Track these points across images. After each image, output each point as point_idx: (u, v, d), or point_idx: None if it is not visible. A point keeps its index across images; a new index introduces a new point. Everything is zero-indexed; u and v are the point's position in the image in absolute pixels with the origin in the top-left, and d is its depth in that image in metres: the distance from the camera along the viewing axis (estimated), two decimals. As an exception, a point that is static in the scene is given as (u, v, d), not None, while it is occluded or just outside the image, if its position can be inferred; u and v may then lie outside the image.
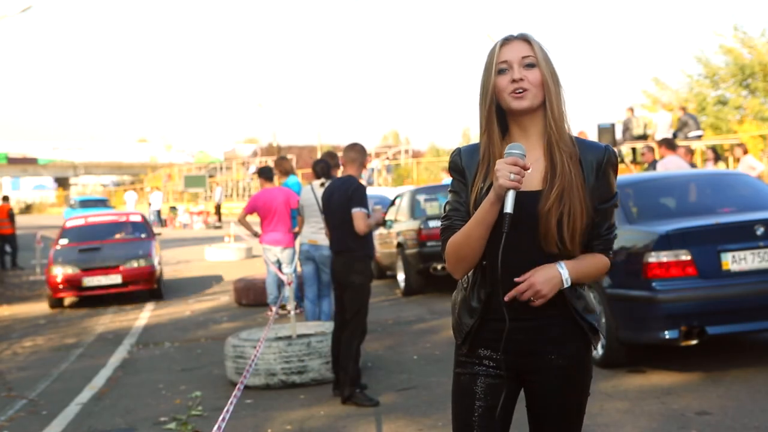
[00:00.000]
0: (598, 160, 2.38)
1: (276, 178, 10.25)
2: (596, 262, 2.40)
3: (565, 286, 2.31)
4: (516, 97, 2.32)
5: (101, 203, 37.53)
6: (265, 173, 9.92)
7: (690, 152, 13.76)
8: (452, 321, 2.49)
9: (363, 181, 6.29)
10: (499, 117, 2.38)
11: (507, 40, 2.37)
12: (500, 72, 2.35)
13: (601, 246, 2.41)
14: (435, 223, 10.95)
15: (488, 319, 2.37)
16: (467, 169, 2.38)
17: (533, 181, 2.32)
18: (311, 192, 8.12)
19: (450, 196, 2.43)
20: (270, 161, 45.09)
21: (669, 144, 11.26)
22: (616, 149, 20.14)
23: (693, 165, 13.37)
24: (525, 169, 2.20)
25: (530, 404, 2.47)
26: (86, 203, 36.95)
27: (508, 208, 2.21)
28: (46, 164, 63.72)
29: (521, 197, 2.25)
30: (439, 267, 10.91)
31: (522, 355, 2.36)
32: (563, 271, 2.30)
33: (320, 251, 8.06)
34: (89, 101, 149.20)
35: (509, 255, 2.26)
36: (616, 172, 2.42)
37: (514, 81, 2.32)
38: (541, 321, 2.36)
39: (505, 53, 2.35)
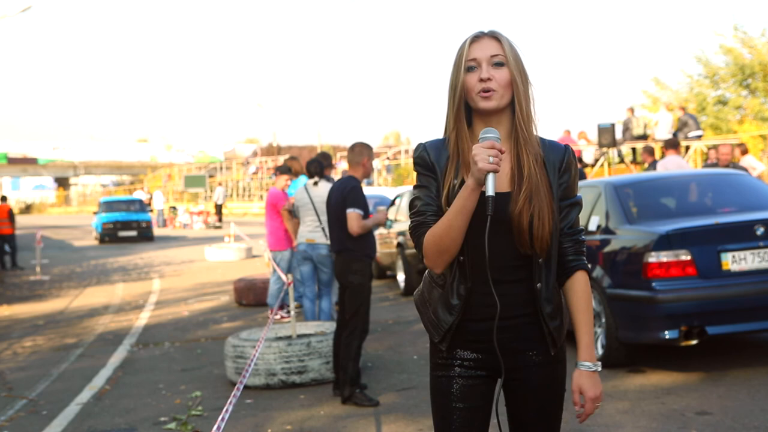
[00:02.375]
0: (560, 160, 2.38)
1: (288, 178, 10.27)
2: (584, 299, 2.38)
3: (599, 370, 2.43)
4: (483, 97, 2.30)
5: (133, 206, 28.08)
6: (283, 171, 9.93)
7: (739, 147, 13.37)
8: (424, 318, 2.45)
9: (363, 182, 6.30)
10: (465, 112, 2.36)
11: (477, 37, 2.35)
12: (469, 69, 2.32)
13: (572, 248, 2.39)
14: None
15: (466, 319, 2.35)
16: (437, 164, 2.34)
17: (502, 182, 2.30)
18: (305, 192, 8.16)
19: (418, 192, 2.37)
20: (270, 161, 45.11)
21: (670, 144, 11.25)
22: (615, 149, 20.20)
23: (734, 164, 11.54)
24: (501, 152, 2.17)
25: (510, 404, 2.44)
26: (113, 206, 28.23)
27: (490, 191, 2.17)
28: (46, 164, 63.67)
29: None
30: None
31: (503, 354, 2.33)
32: (592, 365, 2.39)
33: (317, 250, 8.06)
34: (89, 101, 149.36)
35: (484, 256, 2.23)
36: (577, 172, 2.42)
37: (482, 80, 2.29)
38: (519, 320, 2.35)
39: (474, 51, 2.32)
